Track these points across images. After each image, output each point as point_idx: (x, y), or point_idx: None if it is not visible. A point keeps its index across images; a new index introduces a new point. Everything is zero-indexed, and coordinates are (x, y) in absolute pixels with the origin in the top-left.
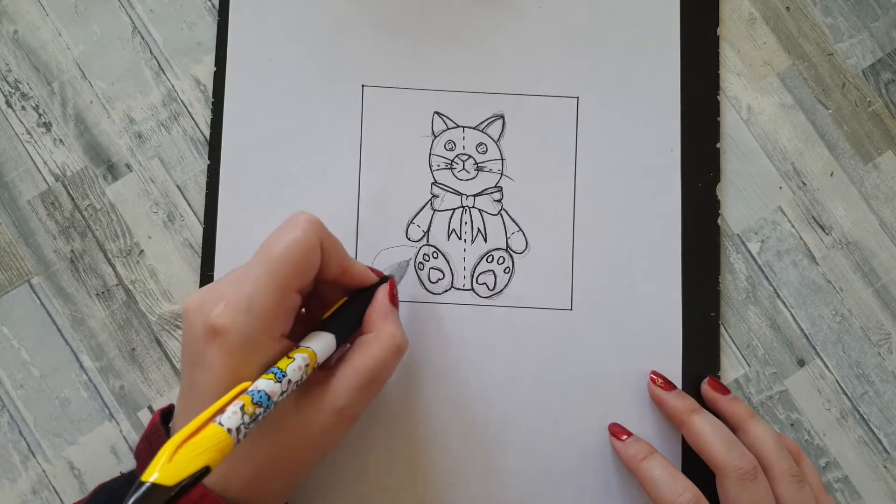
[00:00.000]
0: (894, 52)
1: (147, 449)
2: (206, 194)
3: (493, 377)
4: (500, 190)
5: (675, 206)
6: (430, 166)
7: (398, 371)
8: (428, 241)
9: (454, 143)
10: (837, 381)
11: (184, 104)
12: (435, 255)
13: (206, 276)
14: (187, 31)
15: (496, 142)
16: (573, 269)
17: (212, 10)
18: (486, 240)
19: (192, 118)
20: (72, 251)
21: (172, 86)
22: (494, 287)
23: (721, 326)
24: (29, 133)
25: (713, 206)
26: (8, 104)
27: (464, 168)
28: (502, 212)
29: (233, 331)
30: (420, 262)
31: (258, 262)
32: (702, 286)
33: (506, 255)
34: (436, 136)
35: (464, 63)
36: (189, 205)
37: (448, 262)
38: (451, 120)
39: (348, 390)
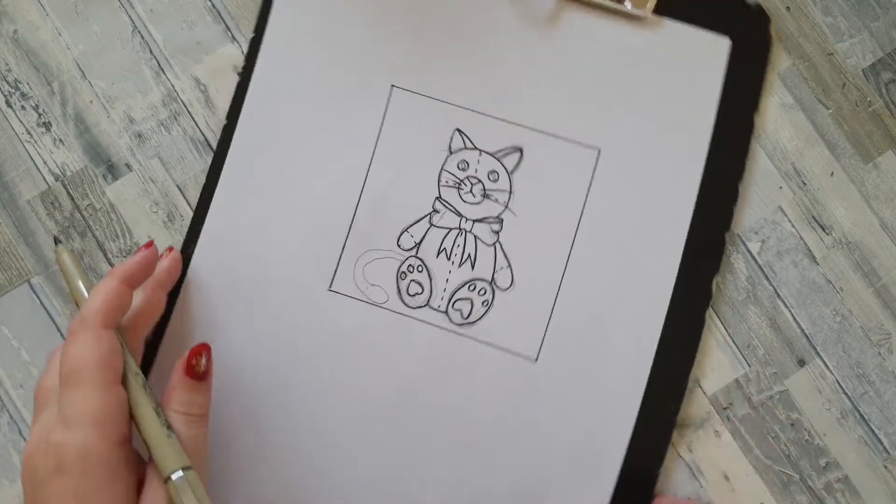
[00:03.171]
0: (894, 52)
1: None
2: (207, 179)
3: (440, 405)
4: (501, 222)
5: (667, 285)
6: (439, 181)
7: (347, 369)
8: (417, 252)
9: (467, 164)
10: (837, 381)
11: (184, 104)
12: (420, 268)
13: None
14: (187, 31)
15: (509, 173)
16: (550, 318)
17: (212, 10)
18: (473, 267)
19: (192, 118)
20: (72, 251)
21: (172, 86)
22: (468, 317)
23: (720, 328)
24: (29, 133)
25: (706, 296)
26: (8, 104)
27: (471, 191)
28: (497, 244)
29: (70, 445)
30: (403, 272)
31: (64, 385)
32: (679, 352)
33: (489, 287)
34: (451, 153)
35: (496, 87)
36: (189, 205)
37: (430, 278)
38: (470, 140)
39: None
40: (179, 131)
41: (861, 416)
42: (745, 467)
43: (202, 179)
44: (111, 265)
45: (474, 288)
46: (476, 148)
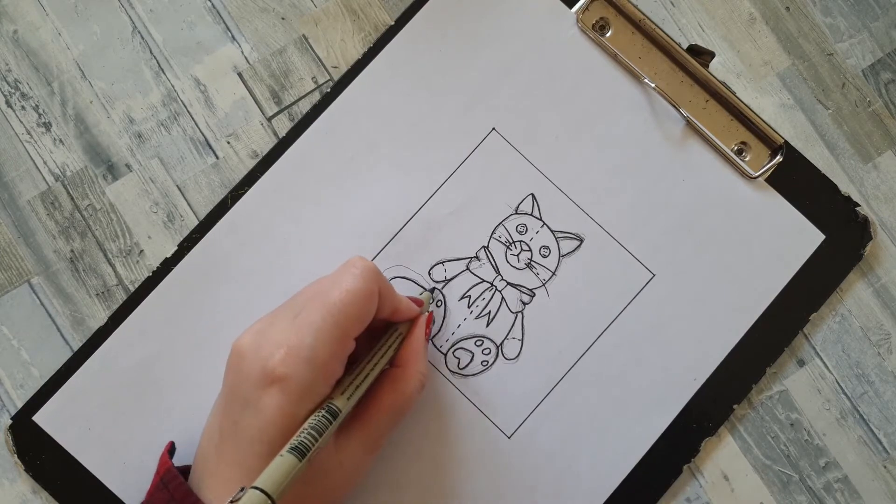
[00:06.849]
0: (894, 52)
1: (168, 500)
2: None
3: (408, 438)
4: (532, 296)
5: (650, 437)
6: (492, 233)
7: None
8: (442, 288)
9: (526, 229)
10: (837, 381)
11: (184, 104)
12: (439, 303)
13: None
14: (187, 31)
15: (560, 256)
16: (539, 406)
17: (212, 10)
18: (488, 325)
19: (192, 118)
20: (72, 251)
21: (172, 86)
22: (463, 368)
23: None
24: (29, 133)
25: (677, 471)
26: (8, 104)
27: (518, 256)
28: (520, 314)
29: (293, 380)
30: None
31: (316, 308)
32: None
33: (494, 350)
34: (516, 213)
35: (588, 175)
36: (189, 205)
37: (444, 317)
38: (539, 209)
39: (380, 425)
40: (179, 131)
41: (860, 416)
42: (745, 467)
43: (202, 180)
44: (111, 265)
45: (481, 344)
46: (541, 219)
